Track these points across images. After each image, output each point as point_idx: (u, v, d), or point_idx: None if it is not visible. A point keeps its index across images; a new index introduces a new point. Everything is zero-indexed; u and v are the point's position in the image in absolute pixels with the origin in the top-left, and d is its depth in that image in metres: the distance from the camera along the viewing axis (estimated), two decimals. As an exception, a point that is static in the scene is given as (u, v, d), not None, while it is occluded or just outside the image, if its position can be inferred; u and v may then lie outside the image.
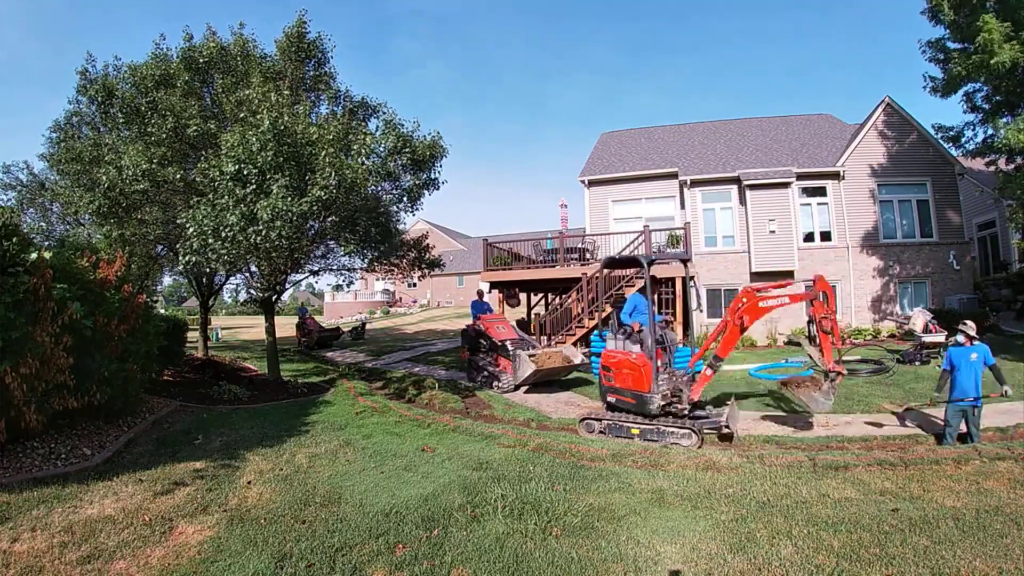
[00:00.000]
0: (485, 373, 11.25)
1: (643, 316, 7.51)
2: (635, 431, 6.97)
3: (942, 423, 6.49)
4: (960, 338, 6.48)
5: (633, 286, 13.00)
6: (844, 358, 11.45)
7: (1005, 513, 4.01)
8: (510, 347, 10.77)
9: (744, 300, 6.94)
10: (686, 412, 6.91)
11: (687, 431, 6.65)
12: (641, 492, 4.87)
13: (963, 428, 6.31)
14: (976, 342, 6.42)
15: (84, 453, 6.03)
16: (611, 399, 7.43)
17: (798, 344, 14.85)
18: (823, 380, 6.92)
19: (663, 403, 6.93)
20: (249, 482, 5.36)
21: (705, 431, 6.81)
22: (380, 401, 9.81)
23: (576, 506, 4.54)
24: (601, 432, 7.27)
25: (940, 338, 10.76)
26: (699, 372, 7.19)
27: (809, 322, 7.13)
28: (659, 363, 7.20)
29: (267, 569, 3.62)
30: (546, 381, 10.64)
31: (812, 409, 7.16)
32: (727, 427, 6.81)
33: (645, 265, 7.39)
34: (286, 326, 22.85)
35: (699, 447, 6.49)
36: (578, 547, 3.83)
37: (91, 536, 4.06)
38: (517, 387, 10.50)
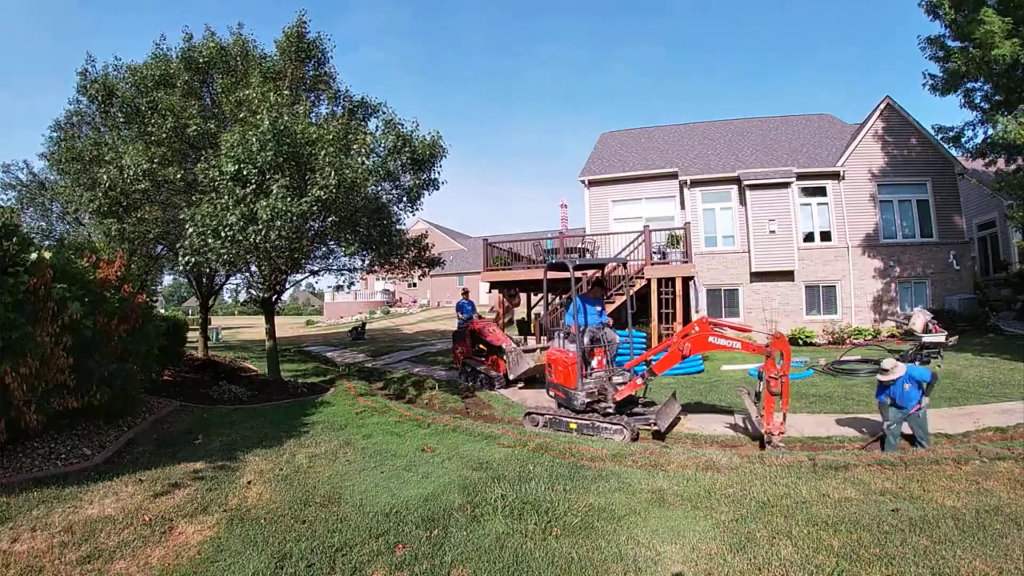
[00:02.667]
0: (481, 375, 11.37)
1: (580, 317, 7.90)
2: (573, 425, 7.32)
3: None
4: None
5: (633, 286, 13.03)
6: (844, 358, 11.48)
7: (1005, 513, 4.01)
8: (506, 348, 11.02)
9: (696, 328, 7.15)
10: (610, 410, 7.22)
11: (618, 427, 6.98)
12: (641, 492, 4.87)
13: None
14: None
15: (84, 453, 6.03)
16: (551, 393, 7.94)
17: (797, 343, 14.87)
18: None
19: (588, 400, 7.29)
20: (249, 482, 5.35)
21: (639, 428, 7.13)
22: (380, 401, 9.81)
23: (576, 506, 4.54)
24: (544, 425, 7.66)
25: (940, 338, 10.71)
26: (640, 373, 7.45)
27: (759, 378, 6.94)
28: (595, 362, 7.68)
29: (267, 569, 3.62)
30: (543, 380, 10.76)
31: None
32: (655, 424, 7.03)
33: (570, 269, 7.86)
34: (286, 326, 22.87)
35: (630, 442, 6.74)
36: (578, 547, 3.83)
37: (91, 536, 4.06)
38: (515, 380, 10.67)
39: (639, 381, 7.29)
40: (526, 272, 15.02)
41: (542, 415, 7.76)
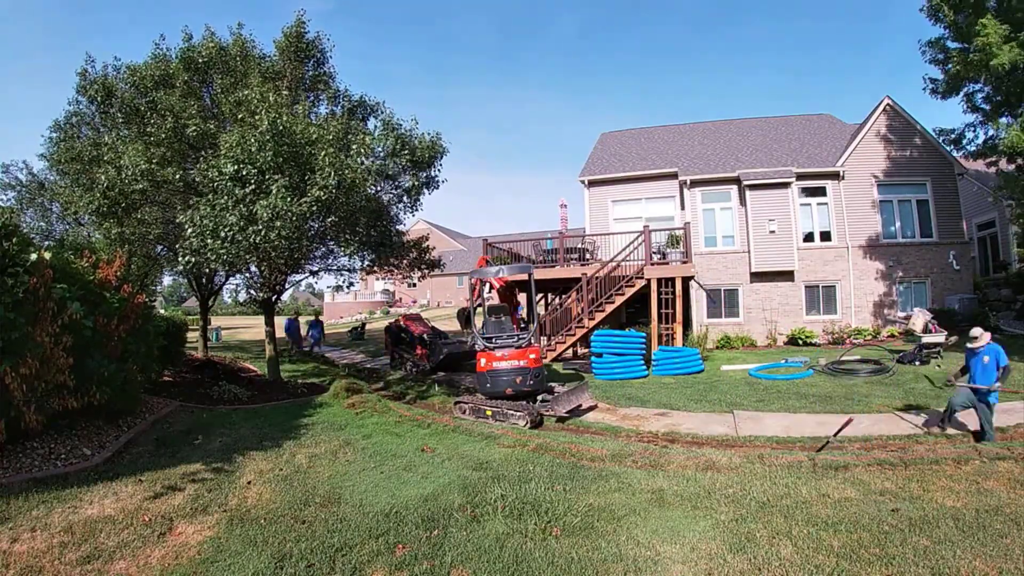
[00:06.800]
0: (406, 358, 13.58)
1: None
2: (489, 412, 8.19)
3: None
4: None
5: (633, 286, 13.04)
6: (844, 358, 11.46)
7: (1005, 513, 4.01)
8: (426, 338, 13.19)
9: None
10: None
11: (522, 413, 7.78)
12: (641, 492, 4.87)
13: None
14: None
15: (84, 453, 6.03)
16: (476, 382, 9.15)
17: (797, 343, 14.87)
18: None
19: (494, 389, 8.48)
20: (249, 482, 5.35)
21: (543, 413, 7.91)
22: (380, 401, 9.81)
23: (576, 506, 4.54)
24: (469, 413, 8.51)
25: (940, 338, 10.73)
26: None
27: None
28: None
29: (267, 569, 3.62)
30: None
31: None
32: (549, 412, 7.86)
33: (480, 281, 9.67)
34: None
35: (531, 427, 7.55)
36: (578, 547, 3.83)
37: (91, 536, 4.06)
38: (435, 368, 12.54)
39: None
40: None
41: (468, 404, 8.65)
